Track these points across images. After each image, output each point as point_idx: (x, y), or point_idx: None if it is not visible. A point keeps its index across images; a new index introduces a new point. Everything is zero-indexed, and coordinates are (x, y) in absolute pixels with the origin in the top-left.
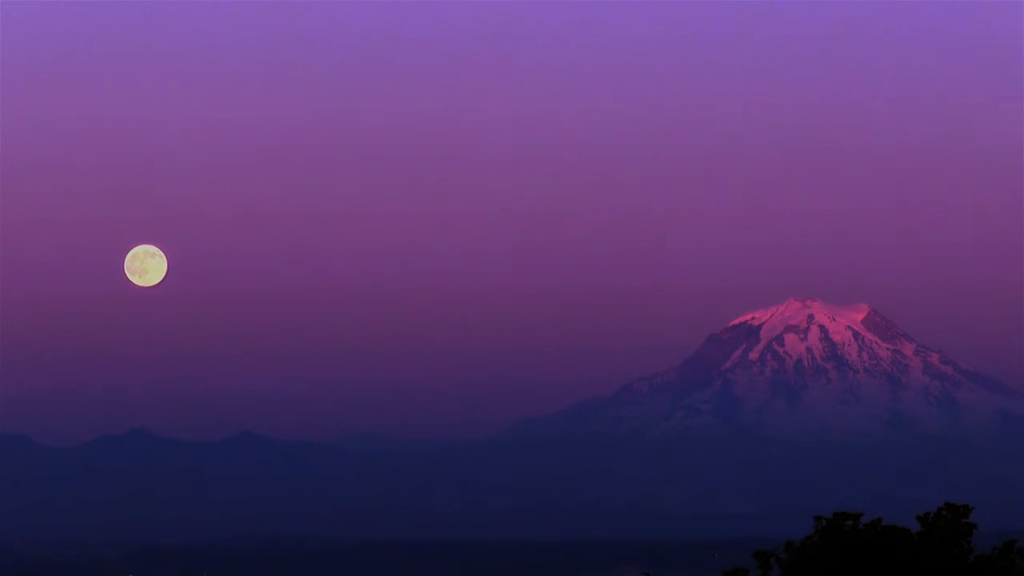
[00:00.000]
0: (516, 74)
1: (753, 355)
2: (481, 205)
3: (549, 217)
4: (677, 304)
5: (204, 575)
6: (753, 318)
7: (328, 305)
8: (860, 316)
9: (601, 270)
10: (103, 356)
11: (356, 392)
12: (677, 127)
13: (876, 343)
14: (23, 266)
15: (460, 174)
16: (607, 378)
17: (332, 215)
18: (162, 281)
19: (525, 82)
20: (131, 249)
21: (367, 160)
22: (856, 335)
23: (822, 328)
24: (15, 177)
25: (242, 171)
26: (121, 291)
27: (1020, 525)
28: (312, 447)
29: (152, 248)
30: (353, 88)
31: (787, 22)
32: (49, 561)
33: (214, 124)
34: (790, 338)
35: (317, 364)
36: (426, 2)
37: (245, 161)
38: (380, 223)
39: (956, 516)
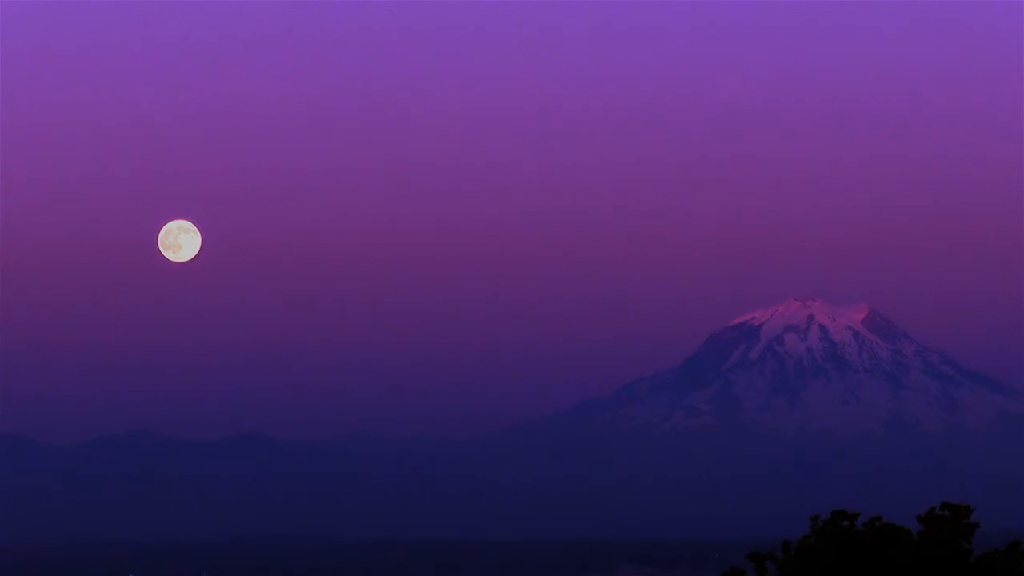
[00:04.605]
0: (520, 71)
1: (753, 355)
2: (481, 206)
3: (548, 217)
4: (677, 304)
5: (204, 575)
6: (753, 318)
7: (329, 303)
8: (860, 316)
9: (600, 270)
10: (104, 356)
11: (356, 392)
12: (677, 127)
13: (876, 343)
14: (25, 261)
15: (465, 178)
16: (607, 378)
17: (337, 214)
18: (195, 256)
19: (525, 79)
20: (164, 224)
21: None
22: (856, 335)
23: (822, 328)
24: (19, 166)
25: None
26: (132, 282)
27: (1021, 525)
28: (312, 447)
29: (186, 223)
30: (388, 59)
31: (790, 23)
32: (49, 561)
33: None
34: (790, 338)
35: (317, 364)
36: None
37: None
38: (384, 221)
39: (956, 516)
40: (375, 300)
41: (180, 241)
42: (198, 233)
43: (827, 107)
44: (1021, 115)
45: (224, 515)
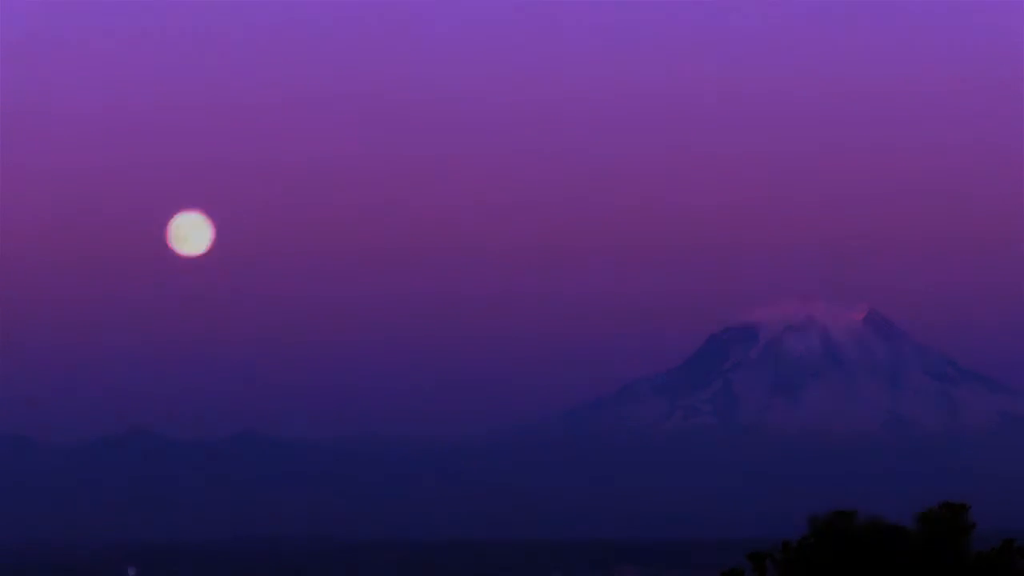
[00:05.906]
0: (511, 63)
1: (753, 355)
2: (482, 205)
3: (549, 217)
4: (677, 304)
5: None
6: (753, 318)
7: (330, 302)
8: (860, 316)
9: (600, 270)
10: (105, 355)
11: (356, 392)
12: (677, 126)
13: (876, 343)
14: (27, 259)
15: (468, 176)
16: (607, 378)
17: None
18: (207, 251)
19: (529, 72)
20: (174, 217)
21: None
22: (856, 335)
23: (822, 328)
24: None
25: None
26: (139, 277)
27: (1019, 525)
28: (312, 447)
29: (196, 217)
30: (397, 52)
31: (789, 22)
32: (49, 561)
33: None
34: (790, 338)
35: (318, 364)
36: None
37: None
38: (388, 221)
39: (954, 515)
40: (376, 300)
41: (190, 234)
42: (209, 226)
43: (827, 106)
44: (1021, 114)
45: (224, 515)
